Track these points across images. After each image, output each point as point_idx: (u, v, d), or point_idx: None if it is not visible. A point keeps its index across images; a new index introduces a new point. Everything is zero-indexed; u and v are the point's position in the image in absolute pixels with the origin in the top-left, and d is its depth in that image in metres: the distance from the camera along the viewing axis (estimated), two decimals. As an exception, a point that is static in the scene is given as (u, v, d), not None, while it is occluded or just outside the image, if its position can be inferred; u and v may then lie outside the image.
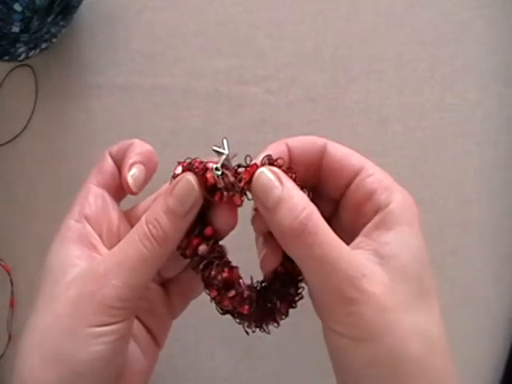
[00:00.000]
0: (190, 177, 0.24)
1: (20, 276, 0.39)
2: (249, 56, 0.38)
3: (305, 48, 0.38)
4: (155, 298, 0.30)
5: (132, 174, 0.27)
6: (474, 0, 0.38)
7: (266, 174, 0.24)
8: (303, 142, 0.27)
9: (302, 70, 0.38)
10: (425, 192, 0.38)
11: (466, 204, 0.38)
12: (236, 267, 0.26)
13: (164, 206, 0.24)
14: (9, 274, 0.39)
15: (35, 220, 0.39)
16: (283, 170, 0.24)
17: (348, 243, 0.24)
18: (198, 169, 0.24)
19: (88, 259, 0.25)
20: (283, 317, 0.26)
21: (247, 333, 0.26)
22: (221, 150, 0.24)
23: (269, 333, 0.26)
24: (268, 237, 0.26)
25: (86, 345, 0.23)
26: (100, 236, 0.26)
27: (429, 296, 0.23)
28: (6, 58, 0.34)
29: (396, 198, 0.24)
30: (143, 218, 0.25)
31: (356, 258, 0.23)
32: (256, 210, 0.26)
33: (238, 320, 0.26)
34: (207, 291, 0.26)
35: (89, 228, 0.26)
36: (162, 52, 0.39)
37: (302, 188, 0.25)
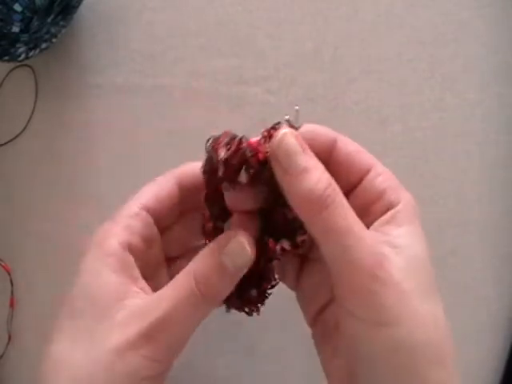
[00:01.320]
0: (243, 238, 0.24)
1: (20, 276, 0.39)
2: (249, 56, 0.38)
3: (305, 48, 0.38)
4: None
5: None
6: (473, 0, 0.38)
7: (290, 136, 0.23)
8: (312, 134, 0.26)
9: (302, 70, 0.38)
10: (425, 192, 0.38)
11: (466, 204, 0.38)
12: None
13: (216, 262, 0.23)
14: (9, 274, 0.39)
15: (35, 220, 0.39)
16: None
17: None
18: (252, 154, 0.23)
19: (134, 301, 0.24)
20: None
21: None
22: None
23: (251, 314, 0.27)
24: (244, 216, 0.25)
25: None
26: (139, 268, 0.25)
27: (435, 290, 0.23)
28: (6, 58, 0.34)
29: (404, 197, 0.25)
30: (191, 272, 0.24)
31: (375, 239, 0.23)
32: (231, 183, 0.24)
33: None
34: None
35: (131, 259, 0.25)
36: (162, 52, 0.39)
37: None
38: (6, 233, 0.39)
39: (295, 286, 0.28)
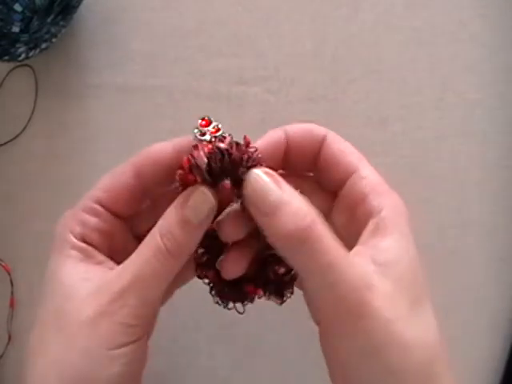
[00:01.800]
0: (204, 189, 0.23)
1: (20, 276, 0.39)
2: (249, 56, 0.38)
3: (305, 48, 0.38)
4: None
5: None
6: (473, 0, 0.38)
7: (261, 176, 0.22)
8: (302, 130, 0.26)
9: (302, 70, 0.38)
10: (425, 192, 0.38)
11: (466, 204, 0.38)
12: None
13: (178, 217, 0.23)
14: (9, 274, 0.39)
15: (35, 220, 0.39)
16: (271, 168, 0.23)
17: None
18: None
19: (98, 274, 0.24)
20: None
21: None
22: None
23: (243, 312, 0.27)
24: (235, 243, 0.25)
25: (106, 366, 0.22)
26: (104, 253, 0.26)
27: (422, 302, 0.23)
28: (6, 57, 0.34)
29: (388, 203, 0.24)
30: (156, 231, 0.24)
31: (359, 268, 0.22)
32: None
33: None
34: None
35: (91, 248, 0.25)
36: (162, 52, 0.39)
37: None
38: (6, 233, 0.39)
39: (300, 285, 0.28)
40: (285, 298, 0.26)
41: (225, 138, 0.24)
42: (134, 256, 0.24)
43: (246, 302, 0.27)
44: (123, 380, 0.23)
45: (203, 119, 0.25)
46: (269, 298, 0.27)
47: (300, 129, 0.26)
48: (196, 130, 0.25)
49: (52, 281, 0.24)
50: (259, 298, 0.27)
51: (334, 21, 0.38)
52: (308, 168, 0.27)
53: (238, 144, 0.24)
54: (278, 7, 0.38)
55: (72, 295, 0.23)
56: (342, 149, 0.26)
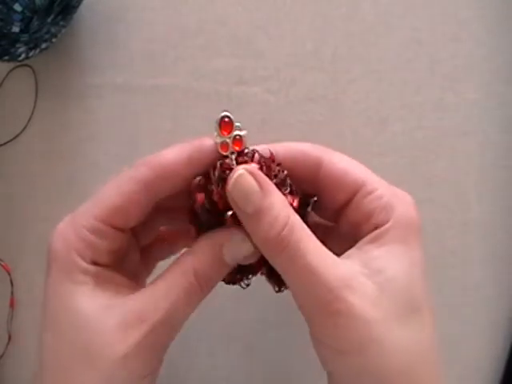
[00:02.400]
0: (241, 236, 0.23)
1: (20, 276, 0.39)
2: (249, 56, 0.38)
3: (305, 48, 0.38)
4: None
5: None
6: (473, 0, 0.38)
7: (245, 177, 0.22)
8: (293, 153, 0.25)
9: (302, 70, 0.38)
10: (425, 192, 0.38)
11: (466, 204, 0.38)
12: None
13: (215, 258, 0.23)
14: (9, 274, 0.39)
15: (35, 220, 0.39)
16: (267, 168, 0.23)
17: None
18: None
19: (120, 299, 0.23)
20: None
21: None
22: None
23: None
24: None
25: None
26: (113, 269, 0.25)
27: (420, 313, 0.23)
28: (6, 57, 0.34)
29: (395, 215, 0.24)
30: (189, 269, 0.23)
31: (342, 269, 0.22)
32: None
33: None
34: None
35: (104, 271, 0.24)
36: (162, 52, 0.39)
37: (293, 191, 0.24)
38: (6, 233, 0.39)
39: None
40: (282, 288, 0.26)
41: (250, 157, 0.23)
42: (163, 288, 0.23)
43: (250, 276, 0.27)
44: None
45: (223, 121, 0.23)
46: (269, 280, 0.27)
47: (290, 151, 0.25)
48: (217, 137, 0.23)
49: (67, 311, 0.22)
50: (261, 274, 0.27)
51: (334, 21, 0.38)
52: (306, 189, 0.26)
53: (265, 162, 0.23)
54: (278, 7, 0.38)
55: (99, 328, 0.22)
56: (343, 168, 0.25)
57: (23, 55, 0.35)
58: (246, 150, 0.23)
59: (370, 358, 0.21)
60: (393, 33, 0.38)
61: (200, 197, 0.23)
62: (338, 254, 0.23)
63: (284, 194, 0.23)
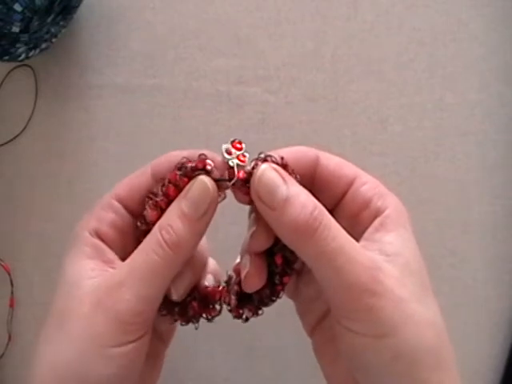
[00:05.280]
0: (205, 178, 0.23)
1: (20, 276, 0.39)
2: (249, 56, 0.38)
3: (305, 48, 0.38)
4: None
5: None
6: (473, 0, 0.38)
7: (268, 172, 0.23)
8: (295, 153, 0.26)
9: (302, 70, 0.38)
10: (425, 192, 0.38)
11: (466, 204, 0.38)
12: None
13: (178, 210, 0.23)
14: (9, 274, 0.39)
15: (35, 220, 0.39)
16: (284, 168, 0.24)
17: None
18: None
19: (103, 272, 0.24)
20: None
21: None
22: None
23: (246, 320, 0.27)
24: (256, 256, 0.25)
25: (102, 367, 0.22)
26: (116, 253, 0.25)
27: (430, 292, 0.23)
28: (6, 57, 0.34)
29: (391, 203, 0.25)
30: (156, 225, 0.24)
31: (368, 252, 0.23)
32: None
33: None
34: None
35: (102, 244, 0.25)
36: (162, 52, 0.39)
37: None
38: (6, 233, 0.39)
39: (293, 296, 0.29)
40: (253, 316, 0.27)
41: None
42: (134, 252, 0.24)
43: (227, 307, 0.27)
44: (120, 381, 0.22)
45: (234, 144, 0.24)
46: (238, 308, 0.27)
47: (292, 152, 0.26)
48: (228, 157, 0.24)
49: (60, 278, 0.24)
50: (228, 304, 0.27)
51: (334, 21, 0.38)
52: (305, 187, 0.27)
53: (280, 166, 0.24)
54: (278, 7, 0.38)
55: (74, 293, 0.23)
56: (338, 163, 0.26)
57: (23, 55, 0.35)
58: (260, 156, 0.24)
59: (405, 338, 0.21)
60: (393, 33, 0.38)
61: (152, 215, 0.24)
62: None
63: None
